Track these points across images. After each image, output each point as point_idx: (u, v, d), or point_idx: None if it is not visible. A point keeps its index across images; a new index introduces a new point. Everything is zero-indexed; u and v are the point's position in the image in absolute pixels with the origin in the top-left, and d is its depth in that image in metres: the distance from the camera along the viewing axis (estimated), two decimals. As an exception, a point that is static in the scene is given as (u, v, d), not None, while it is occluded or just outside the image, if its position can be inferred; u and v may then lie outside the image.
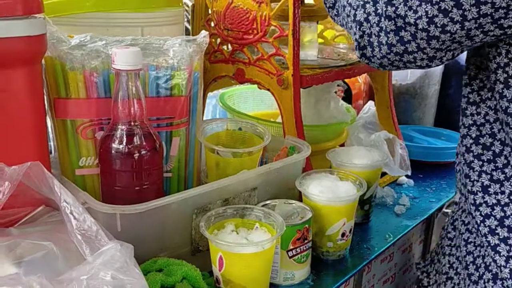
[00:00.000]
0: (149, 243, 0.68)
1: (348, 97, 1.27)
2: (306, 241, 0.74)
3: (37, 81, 0.67)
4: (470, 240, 0.72)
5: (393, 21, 0.61)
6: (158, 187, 0.72)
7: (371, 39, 0.65)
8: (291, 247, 0.73)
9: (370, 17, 0.64)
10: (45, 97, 0.71)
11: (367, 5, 0.65)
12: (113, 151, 0.67)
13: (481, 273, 0.69)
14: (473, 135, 0.68)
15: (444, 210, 1.14)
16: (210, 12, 0.96)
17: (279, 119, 0.95)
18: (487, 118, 0.67)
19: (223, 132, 0.89)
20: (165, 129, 0.76)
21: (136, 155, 0.67)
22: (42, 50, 0.66)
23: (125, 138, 0.67)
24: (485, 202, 0.66)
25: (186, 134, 0.79)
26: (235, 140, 0.89)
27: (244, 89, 1.23)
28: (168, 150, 0.77)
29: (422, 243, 1.14)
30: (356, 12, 0.66)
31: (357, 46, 0.67)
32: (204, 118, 1.10)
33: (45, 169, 0.56)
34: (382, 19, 0.62)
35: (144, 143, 0.67)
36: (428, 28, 0.58)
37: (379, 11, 0.63)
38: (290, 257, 0.74)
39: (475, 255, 0.71)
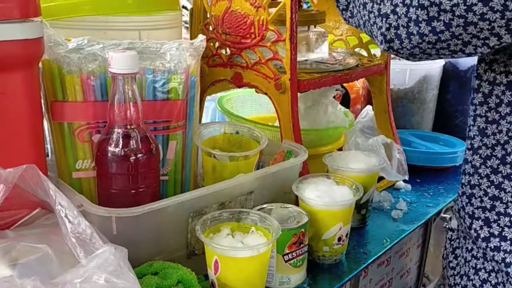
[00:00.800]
0: (145, 246, 0.68)
1: (346, 101, 1.27)
2: (302, 245, 0.74)
3: (34, 84, 0.67)
4: (479, 267, 0.72)
5: (425, 10, 0.59)
6: (154, 191, 0.72)
7: (398, 31, 0.63)
8: (287, 251, 0.73)
9: (397, 9, 0.63)
10: (42, 100, 0.71)
11: None
12: (109, 154, 0.67)
13: None
14: (499, 155, 0.67)
15: (442, 215, 1.14)
16: (208, 16, 0.97)
17: (277, 123, 0.95)
18: (510, 134, 0.66)
19: (220, 135, 0.89)
20: (162, 132, 0.76)
21: (132, 158, 0.67)
22: (39, 53, 0.66)
23: (121, 141, 0.67)
24: None
25: (182, 137, 0.79)
26: (232, 143, 0.89)
27: (242, 92, 1.23)
28: (164, 153, 0.78)
29: (419, 248, 1.14)
30: (380, 6, 0.65)
31: (383, 40, 0.66)
32: (203, 121, 1.11)
33: (40, 172, 0.56)
34: (411, 9, 0.61)
35: (140, 147, 0.68)
36: (466, 15, 0.56)
37: (407, 1, 0.61)
38: (286, 261, 0.74)
39: (493, 282, 0.70)
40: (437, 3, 0.58)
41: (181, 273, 0.65)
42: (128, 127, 0.67)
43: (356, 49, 1.14)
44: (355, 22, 0.74)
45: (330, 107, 1.07)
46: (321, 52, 1.02)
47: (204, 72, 0.97)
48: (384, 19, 0.65)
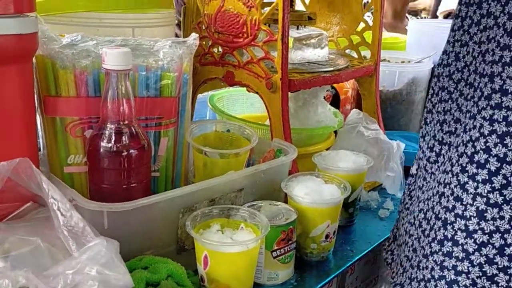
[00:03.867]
0: (135, 241, 0.69)
1: (336, 102, 1.29)
2: (290, 242, 0.76)
3: (27, 79, 0.67)
4: (421, 198, 0.73)
5: None
6: (146, 186, 0.72)
7: None
8: (276, 248, 0.74)
9: None
10: (35, 95, 0.72)
11: None
12: (101, 150, 0.68)
13: (432, 224, 0.68)
14: (469, 153, 0.64)
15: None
16: (201, 14, 0.98)
17: (267, 122, 0.96)
18: (481, 131, 0.63)
19: (211, 133, 0.90)
20: (154, 129, 0.77)
21: (124, 153, 0.68)
22: (33, 48, 0.67)
23: (113, 137, 0.67)
24: (481, 228, 0.63)
25: (174, 134, 0.80)
26: (223, 141, 0.90)
27: (233, 91, 1.24)
28: (156, 149, 0.78)
29: (405, 247, 1.16)
30: None
31: None
32: (194, 119, 1.11)
33: (33, 166, 0.57)
34: None
35: (132, 142, 0.68)
36: None
37: None
38: (274, 258, 0.75)
39: (425, 209, 0.71)
40: None
41: (171, 268, 0.66)
42: (121, 123, 0.68)
43: (347, 51, 1.16)
44: None
45: (320, 107, 1.09)
46: (320, 53, 1.03)
47: (196, 70, 0.98)
48: None
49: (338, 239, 0.88)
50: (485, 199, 0.62)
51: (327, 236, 0.81)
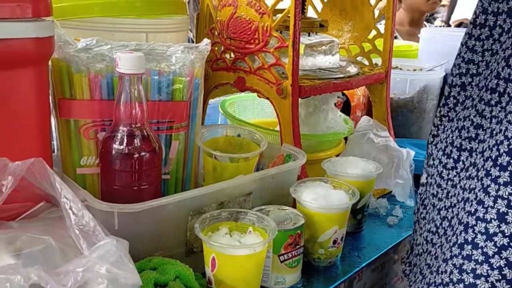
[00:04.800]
0: (144, 242, 0.70)
1: (347, 108, 1.29)
2: (297, 247, 0.76)
3: (43, 81, 0.69)
4: (441, 206, 0.73)
5: None
6: (156, 188, 0.74)
7: None
8: (283, 252, 0.75)
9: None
10: (50, 97, 0.73)
11: None
12: (113, 152, 0.69)
13: (455, 229, 0.68)
14: (493, 156, 0.64)
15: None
16: (214, 21, 0.99)
17: (277, 128, 0.97)
18: (506, 134, 0.63)
19: (222, 137, 0.91)
20: (165, 132, 0.79)
21: (136, 156, 0.69)
22: (49, 51, 0.69)
23: (125, 140, 0.69)
24: (502, 231, 0.62)
25: (185, 138, 0.81)
26: (233, 145, 0.91)
27: (245, 97, 1.25)
28: (167, 152, 0.80)
29: (414, 255, 1.16)
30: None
31: None
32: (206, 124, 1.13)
33: (47, 166, 0.58)
34: None
35: (143, 145, 0.70)
36: None
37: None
38: (282, 262, 0.75)
39: (449, 217, 0.71)
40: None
41: (179, 269, 0.66)
42: (133, 126, 0.69)
43: (358, 58, 1.16)
44: None
45: (330, 113, 1.09)
46: (331, 60, 1.04)
47: (207, 75, 0.99)
48: None
49: (346, 245, 0.88)
50: (506, 201, 0.62)
51: (334, 242, 0.82)
